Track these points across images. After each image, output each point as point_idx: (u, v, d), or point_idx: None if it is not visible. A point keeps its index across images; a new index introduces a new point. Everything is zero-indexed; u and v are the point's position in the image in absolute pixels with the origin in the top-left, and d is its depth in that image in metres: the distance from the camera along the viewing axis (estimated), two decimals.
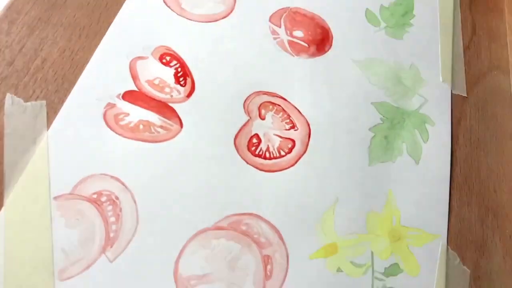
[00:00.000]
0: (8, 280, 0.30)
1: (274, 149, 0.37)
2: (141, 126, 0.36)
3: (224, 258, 0.33)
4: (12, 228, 0.31)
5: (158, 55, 0.39)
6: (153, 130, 0.36)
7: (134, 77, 0.38)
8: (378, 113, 0.41)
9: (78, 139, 0.35)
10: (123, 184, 0.34)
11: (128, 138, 0.35)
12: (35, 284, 0.30)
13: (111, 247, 0.32)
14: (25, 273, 0.30)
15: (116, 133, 0.35)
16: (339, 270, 0.33)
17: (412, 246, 0.35)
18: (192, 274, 0.32)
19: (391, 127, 0.41)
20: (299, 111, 0.39)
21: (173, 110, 0.37)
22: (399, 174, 0.38)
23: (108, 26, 0.40)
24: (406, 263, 0.34)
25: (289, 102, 0.40)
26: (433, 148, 0.40)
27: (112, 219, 0.32)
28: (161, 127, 0.36)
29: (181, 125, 0.37)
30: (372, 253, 0.34)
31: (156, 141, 0.36)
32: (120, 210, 0.33)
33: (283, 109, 0.39)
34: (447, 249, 0.36)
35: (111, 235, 0.32)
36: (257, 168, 0.36)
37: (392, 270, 0.34)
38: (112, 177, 0.34)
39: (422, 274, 0.34)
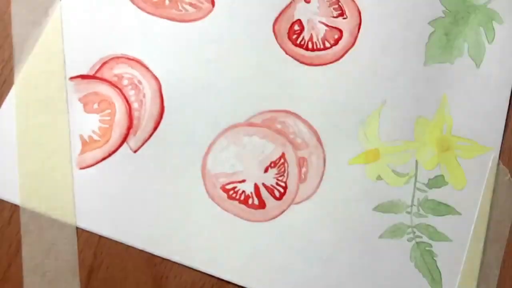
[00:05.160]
0: (22, 164, 0.28)
1: (318, 40, 0.33)
2: (167, 2, 0.31)
3: (256, 157, 0.30)
4: (25, 109, 0.29)
5: None
6: (180, 8, 0.31)
7: None
8: (440, 4, 0.35)
9: (95, 12, 0.31)
10: (146, 67, 0.30)
11: (152, 14, 0.31)
12: (52, 170, 0.28)
13: (134, 135, 0.29)
14: (41, 158, 0.28)
15: (138, 7, 0.31)
16: (379, 178, 0.31)
17: (460, 157, 0.32)
18: (221, 172, 0.29)
19: (453, 22, 0.35)
20: None
21: None
22: (456, 77, 0.34)
23: None
24: (453, 176, 0.32)
25: None
26: (497, 51, 0.35)
27: (135, 105, 0.30)
28: (190, 4, 0.32)
29: (213, 3, 0.32)
30: (416, 162, 0.31)
31: (183, 20, 0.31)
32: (144, 96, 0.30)
33: None
34: (498, 163, 0.32)
35: (134, 122, 0.29)
36: (297, 60, 0.32)
37: (437, 181, 0.31)
38: (133, 59, 0.30)
39: (468, 188, 0.32)
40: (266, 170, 0.30)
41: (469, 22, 0.35)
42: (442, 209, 0.31)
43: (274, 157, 0.30)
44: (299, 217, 0.29)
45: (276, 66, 0.32)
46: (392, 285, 0.29)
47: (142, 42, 0.31)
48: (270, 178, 0.30)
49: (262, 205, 0.29)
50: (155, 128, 0.30)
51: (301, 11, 0.33)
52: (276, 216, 0.29)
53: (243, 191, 0.30)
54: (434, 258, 0.30)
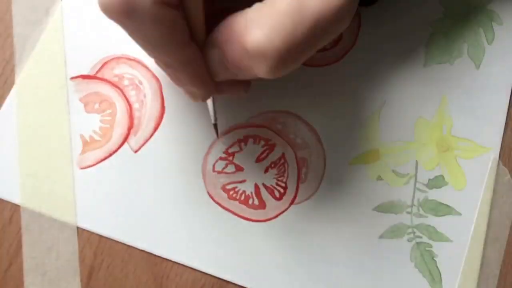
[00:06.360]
0: (23, 164, 0.28)
1: None
2: None
3: (257, 157, 0.30)
4: (26, 109, 0.29)
5: None
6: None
7: None
8: (440, 5, 0.35)
9: (96, 12, 0.31)
10: (147, 67, 0.30)
11: None
12: (52, 170, 0.28)
13: (135, 135, 0.29)
14: (41, 158, 0.28)
15: None
16: (379, 178, 0.31)
17: (460, 158, 0.32)
18: (222, 172, 0.29)
19: (453, 23, 0.35)
20: None
21: None
22: (456, 78, 0.34)
23: None
24: (452, 176, 0.32)
25: None
26: (497, 52, 0.35)
27: (136, 105, 0.30)
28: None
29: None
30: (416, 162, 0.31)
31: None
32: (144, 96, 0.30)
33: None
34: (498, 164, 0.32)
35: (135, 122, 0.29)
36: None
37: (437, 182, 0.31)
38: (134, 59, 0.30)
39: (468, 188, 0.32)
40: (266, 171, 0.30)
41: (468, 23, 0.35)
42: (442, 209, 0.31)
43: (274, 158, 0.30)
44: (299, 217, 0.29)
45: None
46: (392, 285, 0.29)
47: None
48: (270, 179, 0.30)
49: (262, 205, 0.29)
50: (155, 128, 0.30)
51: None
52: (276, 216, 0.29)
53: (243, 191, 0.30)
54: (434, 258, 0.30)
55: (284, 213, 0.29)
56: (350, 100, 0.32)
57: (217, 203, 0.29)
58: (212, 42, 0.23)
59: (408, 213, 0.31)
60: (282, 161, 0.30)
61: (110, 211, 0.29)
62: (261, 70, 0.22)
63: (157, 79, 0.30)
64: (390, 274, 0.29)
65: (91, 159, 0.29)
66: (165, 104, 0.30)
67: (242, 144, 0.30)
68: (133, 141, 0.29)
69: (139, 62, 0.30)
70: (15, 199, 0.28)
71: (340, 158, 0.31)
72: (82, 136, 0.29)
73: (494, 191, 0.32)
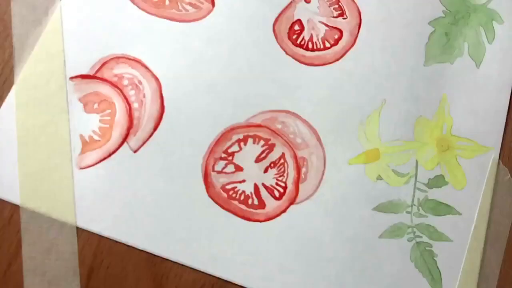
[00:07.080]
0: (22, 164, 0.28)
1: (318, 40, 0.33)
2: (167, 2, 0.31)
3: (256, 157, 0.30)
4: (25, 109, 0.29)
5: None
6: (180, 8, 0.31)
7: None
8: (441, 4, 0.35)
9: (95, 12, 0.31)
10: (146, 67, 0.30)
11: (152, 14, 0.31)
12: (52, 170, 0.28)
13: (134, 135, 0.29)
14: (41, 158, 0.28)
15: (138, 7, 0.31)
16: (379, 178, 0.31)
17: (461, 157, 0.32)
18: (221, 172, 0.29)
19: (453, 22, 0.35)
20: None
21: None
22: (456, 77, 0.34)
23: None
24: (453, 175, 0.32)
25: None
26: (497, 51, 0.35)
27: (135, 105, 0.30)
28: (190, 4, 0.31)
29: (213, 3, 0.32)
30: (416, 162, 0.31)
31: (183, 20, 0.31)
32: (144, 96, 0.30)
33: None
34: (498, 164, 0.32)
35: (134, 122, 0.29)
36: (297, 60, 0.32)
37: (437, 181, 0.31)
38: (134, 59, 0.30)
39: (468, 188, 0.31)
40: (266, 170, 0.30)
41: (469, 22, 0.35)
42: (442, 209, 0.31)
43: (274, 157, 0.30)
44: (299, 217, 0.29)
45: (276, 66, 0.32)
46: (392, 285, 0.29)
47: (142, 42, 0.31)
48: (269, 178, 0.30)
49: (262, 205, 0.29)
50: (155, 128, 0.30)
51: (301, 11, 0.33)
52: (276, 216, 0.29)
53: (243, 191, 0.30)
54: (434, 258, 0.30)
55: (284, 213, 0.29)
56: (350, 100, 0.32)
57: (217, 203, 0.29)
58: None
59: (408, 212, 0.31)
60: (282, 161, 0.30)
61: (110, 211, 0.29)
62: None
63: (157, 79, 0.30)
64: (390, 274, 0.29)
65: (91, 159, 0.29)
66: (165, 104, 0.30)
67: (242, 144, 0.30)
68: (133, 141, 0.29)
69: (138, 62, 0.30)
70: (15, 199, 0.28)
71: (340, 158, 0.31)
72: (81, 136, 0.29)
73: (494, 191, 0.32)
